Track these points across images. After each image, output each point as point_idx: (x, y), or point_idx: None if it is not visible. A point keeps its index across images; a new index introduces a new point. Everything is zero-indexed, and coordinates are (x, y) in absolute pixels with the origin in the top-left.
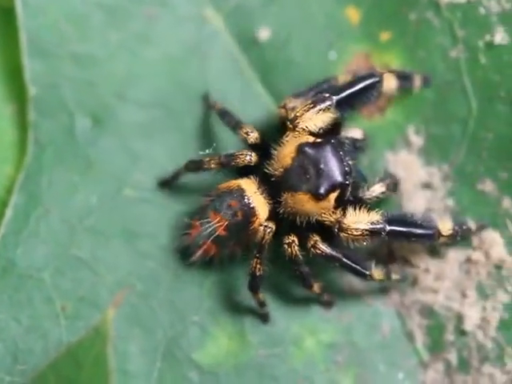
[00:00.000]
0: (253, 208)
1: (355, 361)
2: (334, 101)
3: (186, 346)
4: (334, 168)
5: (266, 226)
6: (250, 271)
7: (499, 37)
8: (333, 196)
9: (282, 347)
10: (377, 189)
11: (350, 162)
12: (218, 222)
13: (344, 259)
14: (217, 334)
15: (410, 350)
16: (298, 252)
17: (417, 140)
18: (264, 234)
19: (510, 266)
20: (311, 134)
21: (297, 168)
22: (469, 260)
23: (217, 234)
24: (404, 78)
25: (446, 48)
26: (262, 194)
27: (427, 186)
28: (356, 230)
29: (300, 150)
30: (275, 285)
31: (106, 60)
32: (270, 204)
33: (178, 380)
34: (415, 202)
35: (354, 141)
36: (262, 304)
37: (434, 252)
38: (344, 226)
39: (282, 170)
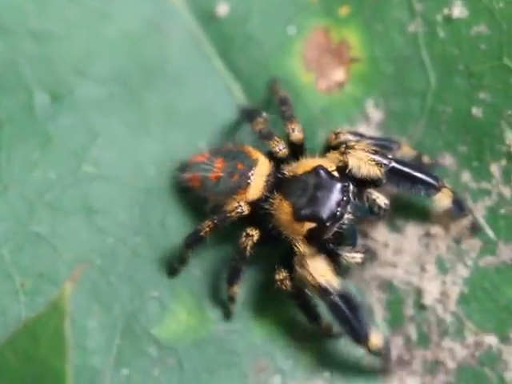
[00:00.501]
0: (248, 183)
1: (315, 336)
2: (390, 165)
3: (144, 321)
4: (326, 204)
5: (240, 206)
6: (197, 227)
7: (457, 11)
8: (308, 225)
9: (242, 322)
10: (356, 257)
11: (347, 215)
12: (217, 167)
13: (304, 301)
14: (176, 310)
15: None
16: (248, 248)
17: (376, 114)
18: (233, 210)
19: (469, 240)
20: (339, 168)
21: (301, 181)
22: (428, 234)
23: (208, 174)
24: (459, 207)
25: (404, 22)
26: (265, 181)
27: None
28: (310, 274)
29: (316, 169)
30: None
31: (64, 37)
32: (263, 194)
33: (137, 355)
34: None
35: (375, 205)
36: (184, 260)
37: (393, 226)
38: (304, 264)
39: (291, 174)
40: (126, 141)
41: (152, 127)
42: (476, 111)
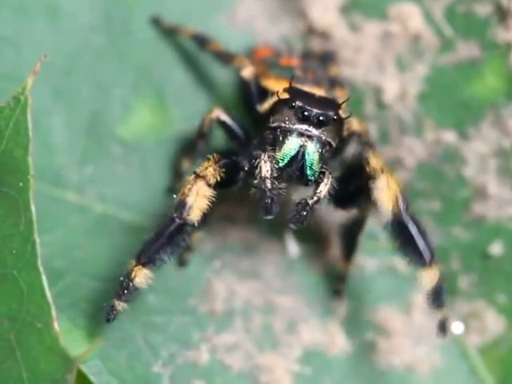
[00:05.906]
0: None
1: None
2: (404, 216)
3: (108, 120)
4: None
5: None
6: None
7: None
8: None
9: None
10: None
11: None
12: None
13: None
14: (139, 109)
15: None
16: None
17: None
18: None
19: (427, 38)
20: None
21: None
22: (387, 33)
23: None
24: (437, 297)
25: None
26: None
27: None
28: (185, 186)
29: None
30: None
31: None
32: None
33: (102, 154)
34: None
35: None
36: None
37: (353, 26)
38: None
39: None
40: None
41: None
42: None
